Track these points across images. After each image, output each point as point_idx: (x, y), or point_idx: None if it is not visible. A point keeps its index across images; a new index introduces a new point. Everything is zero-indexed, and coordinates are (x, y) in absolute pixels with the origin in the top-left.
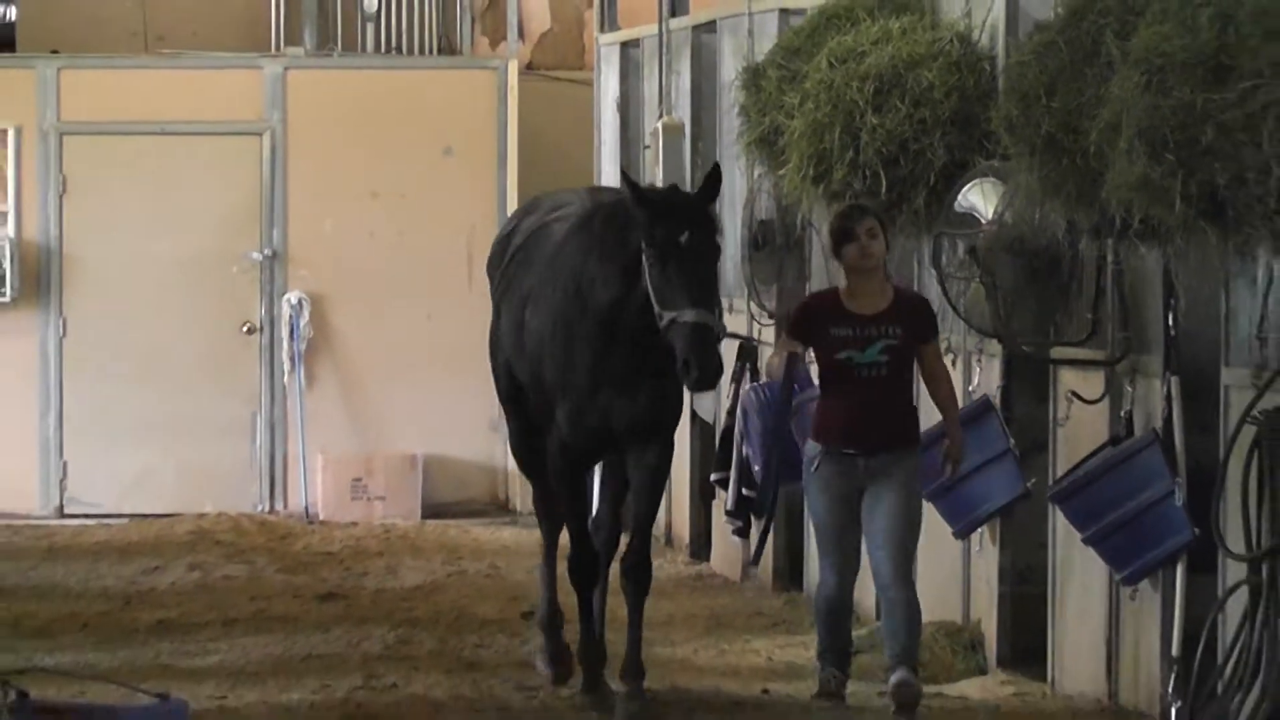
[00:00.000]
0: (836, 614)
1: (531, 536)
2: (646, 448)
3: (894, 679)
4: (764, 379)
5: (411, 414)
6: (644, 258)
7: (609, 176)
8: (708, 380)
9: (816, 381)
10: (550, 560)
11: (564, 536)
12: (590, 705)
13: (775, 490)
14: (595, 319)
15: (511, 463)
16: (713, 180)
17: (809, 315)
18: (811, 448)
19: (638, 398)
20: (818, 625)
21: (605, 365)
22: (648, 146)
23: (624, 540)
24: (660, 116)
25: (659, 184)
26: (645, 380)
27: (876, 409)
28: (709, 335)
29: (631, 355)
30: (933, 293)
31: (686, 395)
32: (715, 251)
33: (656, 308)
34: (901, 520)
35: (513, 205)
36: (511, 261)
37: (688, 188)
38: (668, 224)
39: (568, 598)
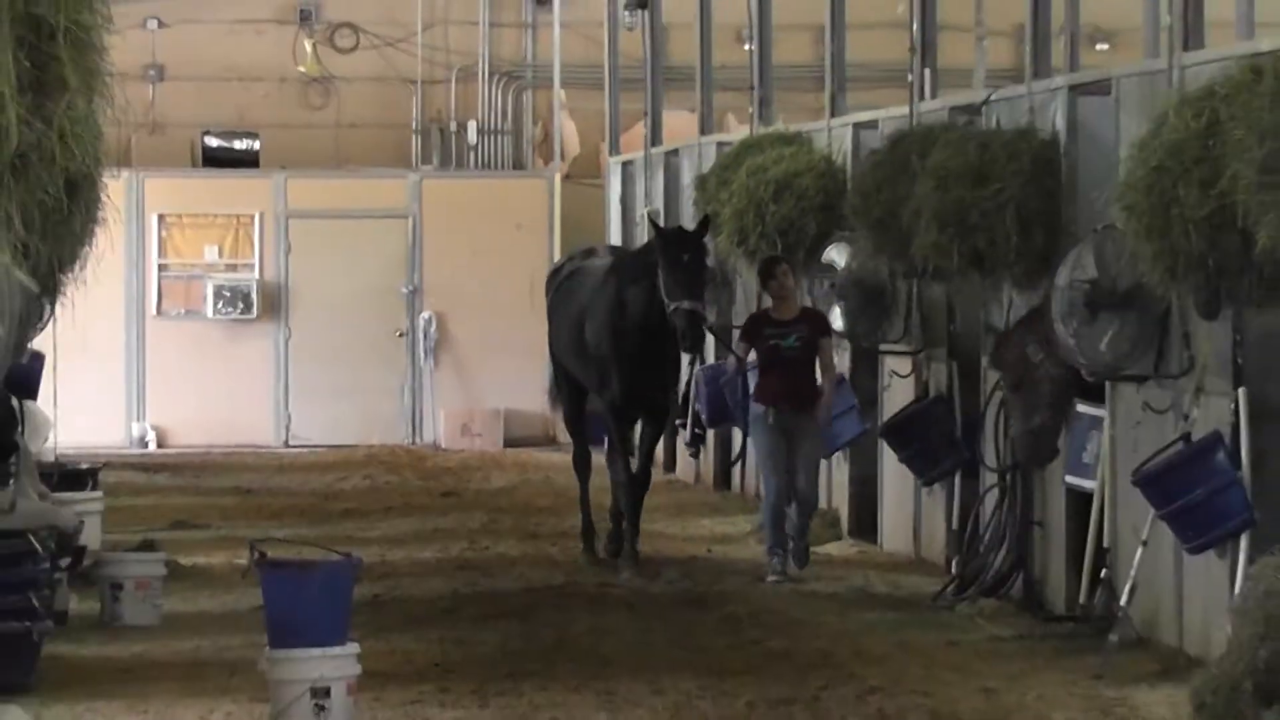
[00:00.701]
0: (778, 515)
1: (569, 459)
2: (655, 406)
3: (799, 546)
4: (712, 364)
5: (496, 384)
6: (659, 271)
7: (615, 239)
8: (696, 346)
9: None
10: (585, 496)
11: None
12: (612, 562)
13: (708, 429)
14: (633, 323)
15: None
16: (704, 224)
17: (752, 325)
18: (756, 407)
19: (657, 371)
20: (766, 526)
21: (640, 352)
22: (637, 223)
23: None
24: (646, 206)
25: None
26: (662, 360)
27: (796, 380)
28: (699, 317)
29: (653, 343)
30: None
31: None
32: (704, 265)
33: (665, 300)
34: (815, 462)
35: (557, 258)
36: (560, 289)
37: None
38: (676, 246)
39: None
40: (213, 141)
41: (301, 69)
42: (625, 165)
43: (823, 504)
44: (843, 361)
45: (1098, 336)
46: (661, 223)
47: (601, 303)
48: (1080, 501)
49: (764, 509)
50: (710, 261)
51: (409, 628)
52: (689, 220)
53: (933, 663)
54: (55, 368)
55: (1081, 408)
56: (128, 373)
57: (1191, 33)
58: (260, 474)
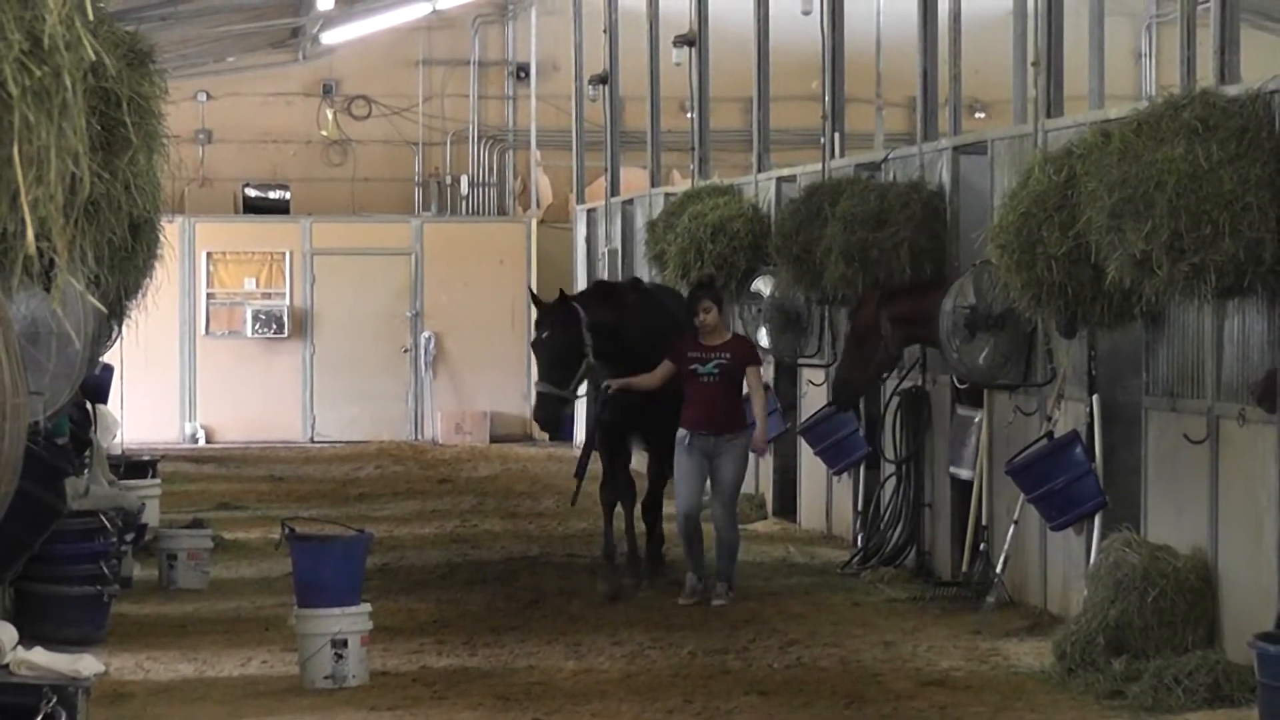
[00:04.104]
0: (689, 533)
1: (542, 452)
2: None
3: (716, 601)
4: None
5: (484, 390)
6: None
7: (581, 278)
8: (546, 427)
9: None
10: (609, 526)
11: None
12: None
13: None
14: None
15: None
16: (560, 298)
17: (678, 350)
18: (680, 431)
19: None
20: (683, 548)
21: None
22: (599, 259)
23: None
24: (606, 244)
25: (606, 274)
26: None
27: (712, 407)
28: (544, 399)
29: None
30: (742, 331)
31: None
32: (555, 342)
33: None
34: (731, 485)
35: (536, 290)
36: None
37: (619, 275)
38: (536, 325)
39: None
40: (251, 192)
41: (324, 133)
42: (590, 212)
43: (749, 489)
44: (767, 373)
45: (976, 352)
46: (604, 270)
47: None
48: (962, 487)
49: (677, 524)
50: (583, 333)
51: (412, 590)
52: (640, 262)
53: (842, 620)
54: (122, 377)
55: (961, 410)
56: (181, 381)
57: (1053, 103)
58: (290, 464)
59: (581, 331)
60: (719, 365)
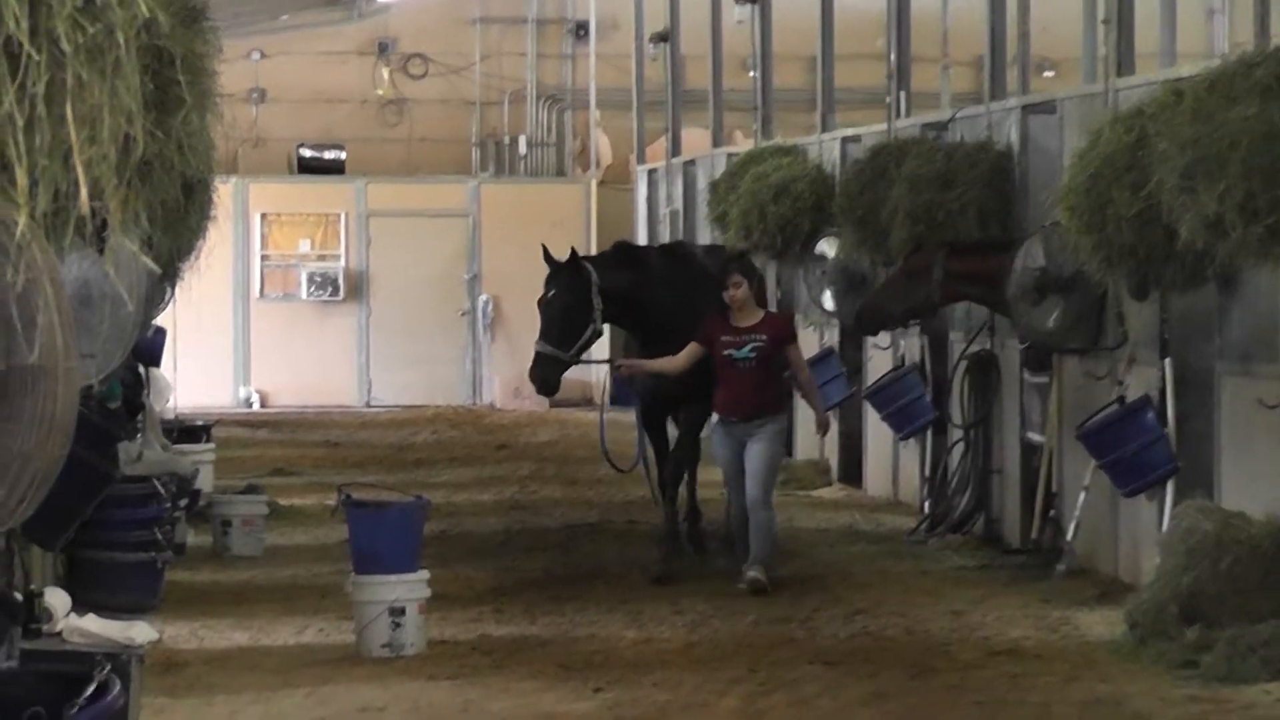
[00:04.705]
0: (740, 525)
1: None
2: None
3: (750, 574)
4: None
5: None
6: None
7: (642, 240)
8: (543, 389)
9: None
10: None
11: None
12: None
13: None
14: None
15: (591, 374)
16: (572, 257)
17: (707, 329)
18: (716, 418)
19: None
20: (736, 536)
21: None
22: (660, 221)
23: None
24: (668, 206)
25: (668, 235)
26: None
27: (747, 392)
28: (541, 359)
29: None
30: (805, 296)
31: None
32: (566, 305)
33: None
34: (763, 463)
35: (593, 252)
36: None
37: (680, 237)
38: (546, 283)
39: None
40: (306, 152)
41: (380, 92)
42: (650, 173)
43: (814, 455)
44: (832, 336)
45: (1046, 315)
46: (666, 231)
47: None
48: (1031, 453)
49: (734, 519)
50: (594, 295)
51: (470, 558)
52: (702, 224)
53: (908, 588)
54: (175, 340)
55: (1028, 376)
56: (235, 345)
57: (1124, 61)
58: (346, 430)
59: (591, 295)
60: (756, 349)
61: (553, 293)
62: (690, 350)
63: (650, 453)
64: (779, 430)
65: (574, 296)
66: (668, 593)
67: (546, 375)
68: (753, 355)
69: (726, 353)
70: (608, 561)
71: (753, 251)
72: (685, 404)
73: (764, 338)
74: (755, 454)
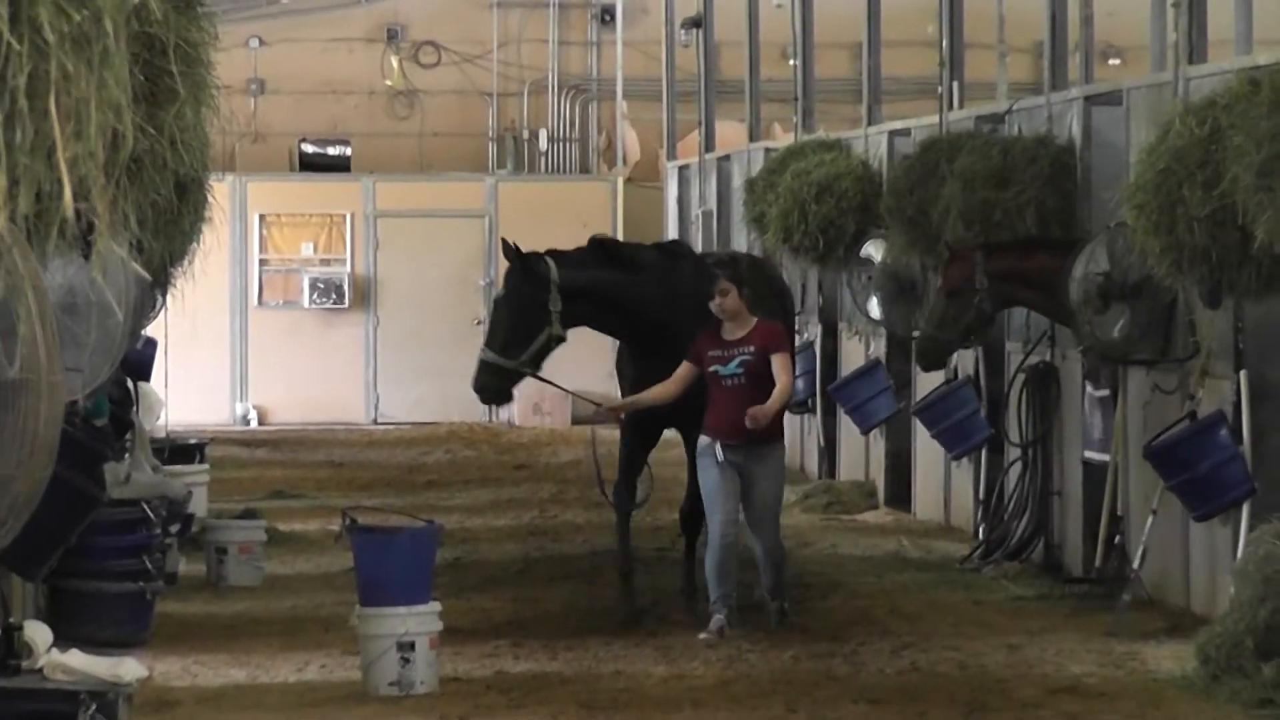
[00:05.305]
0: (724, 560)
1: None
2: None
3: (773, 607)
4: None
5: (565, 368)
6: None
7: (673, 237)
8: (486, 398)
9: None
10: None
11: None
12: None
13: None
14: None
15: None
16: (517, 256)
17: (697, 346)
18: (703, 438)
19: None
20: (710, 572)
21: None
22: (693, 222)
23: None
24: (700, 205)
25: (700, 237)
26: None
27: (739, 410)
28: (485, 366)
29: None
30: (849, 303)
31: None
32: (509, 306)
33: None
34: (775, 506)
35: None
36: None
37: (713, 239)
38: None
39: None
40: (309, 148)
41: (389, 83)
42: (681, 170)
43: (859, 476)
44: (879, 347)
45: (1110, 324)
46: (699, 235)
47: None
48: (1095, 473)
49: (708, 551)
50: (552, 297)
51: (486, 588)
52: (737, 226)
53: (961, 620)
54: (167, 352)
55: (1091, 390)
56: (232, 357)
57: (1195, 48)
58: (351, 449)
59: (548, 295)
60: (743, 363)
61: (502, 291)
62: (682, 372)
63: (609, 453)
64: (782, 463)
65: (524, 297)
66: (699, 625)
67: (486, 384)
68: (740, 371)
69: (713, 369)
70: (635, 591)
71: (792, 255)
72: (688, 424)
73: (751, 350)
74: (763, 493)
